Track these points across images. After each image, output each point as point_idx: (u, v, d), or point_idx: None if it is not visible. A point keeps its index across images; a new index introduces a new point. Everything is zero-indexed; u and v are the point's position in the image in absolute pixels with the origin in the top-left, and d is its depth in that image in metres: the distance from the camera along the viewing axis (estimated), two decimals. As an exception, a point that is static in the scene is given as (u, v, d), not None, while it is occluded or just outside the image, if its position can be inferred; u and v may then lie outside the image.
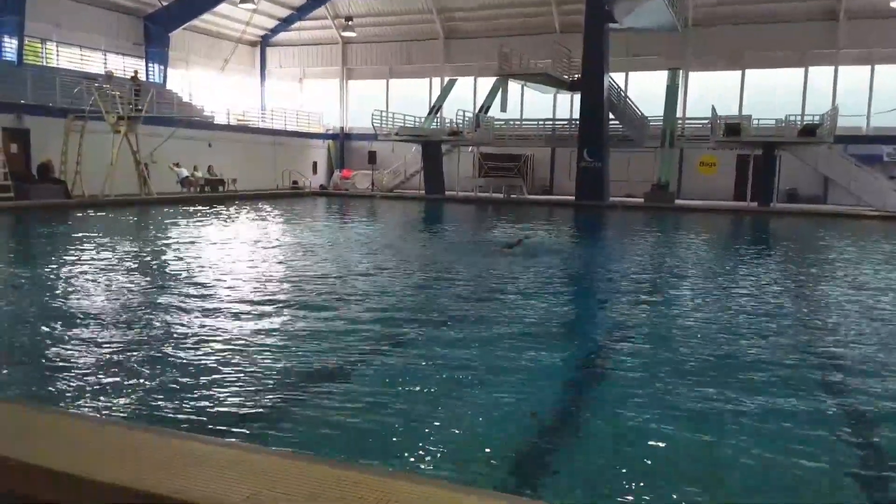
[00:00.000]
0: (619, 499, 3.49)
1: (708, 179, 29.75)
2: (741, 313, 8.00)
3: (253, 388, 4.87)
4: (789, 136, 26.03)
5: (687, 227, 21.14)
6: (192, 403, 4.55)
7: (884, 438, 4.34)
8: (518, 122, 33.16)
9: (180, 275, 9.61)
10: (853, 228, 20.71)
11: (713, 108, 27.01)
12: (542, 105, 33.57)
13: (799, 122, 26.72)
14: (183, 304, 7.53)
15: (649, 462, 3.88)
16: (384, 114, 30.43)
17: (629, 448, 4.06)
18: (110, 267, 10.08)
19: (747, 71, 31.02)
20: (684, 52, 30.51)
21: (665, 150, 27.95)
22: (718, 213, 25.75)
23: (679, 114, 29.84)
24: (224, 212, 20.92)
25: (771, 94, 30.40)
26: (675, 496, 3.51)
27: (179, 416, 4.34)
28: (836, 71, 29.59)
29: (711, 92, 30.48)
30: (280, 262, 11.15)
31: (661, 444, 4.10)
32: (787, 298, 9.36)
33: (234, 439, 3.92)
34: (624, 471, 3.77)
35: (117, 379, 5.01)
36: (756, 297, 9.07)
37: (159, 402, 4.56)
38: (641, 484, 3.63)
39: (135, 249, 12.37)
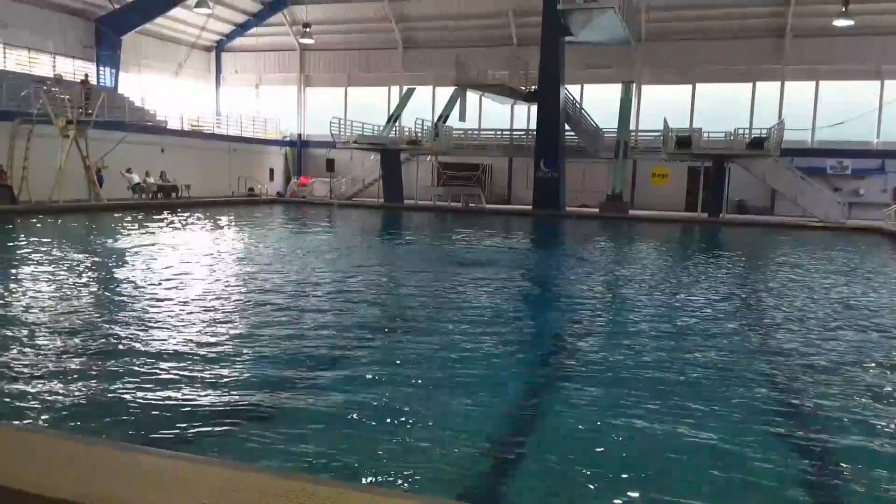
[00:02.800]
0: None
1: (660, 190, 30.42)
2: (689, 316, 8.24)
3: (201, 400, 4.81)
4: (738, 148, 26.81)
5: (639, 237, 21.58)
6: (138, 416, 4.47)
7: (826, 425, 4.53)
8: (476, 132, 33.40)
9: (126, 284, 9.41)
10: (798, 238, 21.42)
11: (665, 121, 27.67)
12: (500, 115, 33.89)
13: (747, 136, 27.55)
14: (129, 314, 7.38)
15: (605, 464, 3.97)
16: (342, 121, 30.32)
17: (583, 450, 4.14)
18: (53, 276, 9.80)
19: (698, 85, 31.87)
20: (637, 66, 31.20)
21: (619, 161, 28.48)
22: (670, 223, 26.33)
23: (632, 126, 30.45)
24: (176, 219, 20.53)
25: (721, 107, 31.28)
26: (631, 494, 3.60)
27: (126, 429, 4.27)
28: (782, 86, 30.62)
29: (664, 105, 31.19)
30: (230, 272, 10.98)
31: (616, 445, 4.19)
32: (730, 303, 9.64)
33: (182, 452, 3.88)
34: (580, 471, 3.85)
35: (60, 391, 4.89)
36: (702, 303, 9.33)
37: (105, 415, 4.47)
38: (596, 485, 3.71)
39: (80, 258, 12.06)
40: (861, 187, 29.40)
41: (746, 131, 28.11)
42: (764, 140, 26.50)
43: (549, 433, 4.68)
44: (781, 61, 30.23)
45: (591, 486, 3.76)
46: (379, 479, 3.72)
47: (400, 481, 3.69)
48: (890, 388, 5.64)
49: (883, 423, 4.76)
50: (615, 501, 3.60)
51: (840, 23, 26.87)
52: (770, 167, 27.34)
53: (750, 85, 31.26)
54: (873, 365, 6.36)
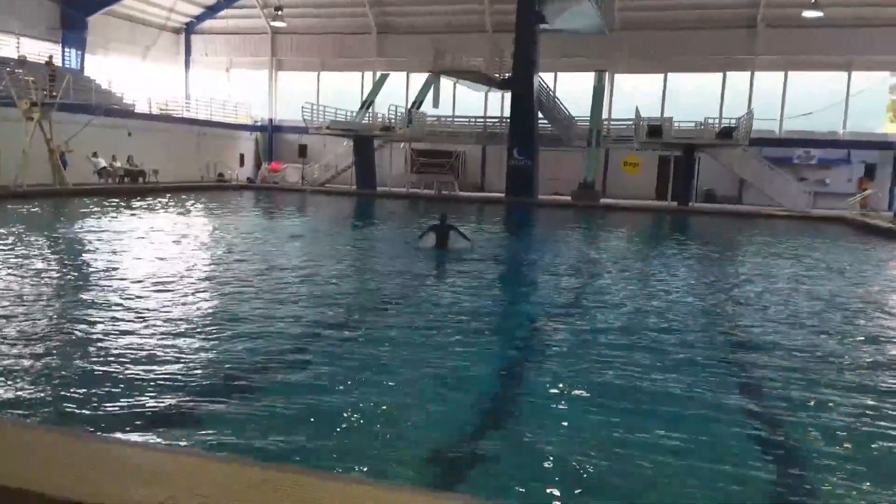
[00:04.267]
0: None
1: (632, 179, 30.67)
2: (657, 302, 8.35)
3: (169, 390, 4.76)
4: (707, 138, 27.13)
5: (611, 225, 21.78)
6: (105, 406, 4.41)
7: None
8: (450, 119, 33.32)
9: (88, 270, 9.25)
10: (765, 227, 21.79)
11: (637, 110, 27.88)
12: (474, 102, 33.83)
13: (717, 125, 27.88)
14: (93, 304, 7.26)
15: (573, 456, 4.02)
16: (315, 107, 30.01)
17: (552, 443, 4.19)
18: (13, 262, 9.60)
19: (670, 74, 32.11)
20: (611, 55, 31.33)
21: (591, 149, 28.65)
22: (641, 211, 26.60)
23: (605, 115, 30.61)
24: (143, 205, 20.20)
25: (692, 97, 31.58)
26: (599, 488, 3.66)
27: (93, 419, 4.21)
28: (752, 76, 31.02)
29: (636, 94, 31.40)
30: (195, 259, 10.84)
31: (586, 438, 4.25)
32: (698, 288, 9.80)
33: (149, 442, 3.84)
34: (547, 465, 3.89)
35: (25, 380, 4.80)
36: (669, 288, 9.47)
37: (71, 405, 4.41)
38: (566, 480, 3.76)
39: (43, 243, 11.81)
40: (827, 177, 29.96)
41: (716, 121, 28.44)
42: (733, 130, 26.85)
43: (520, 422, 4.72)
44: (752, 52, 30.59)
45: (560, 479, 3.81)
46: (344, 468, 3.73)
47: (365, 469, 3.70)
48: (844, 375, 5.79)
49: (841, 410, 4.89)
50: (581, 494, 3.66)
51: (810, 14, 27.28)
52: (739, 157, 27.74)
53: (721, 75, 31.60)
54: (836, 356, 6.52)
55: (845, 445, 4.27)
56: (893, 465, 4.12)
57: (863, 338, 7.19)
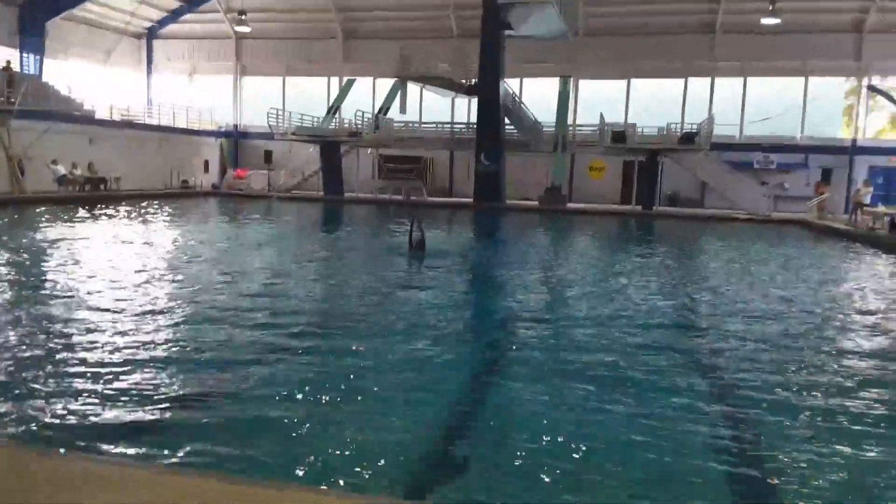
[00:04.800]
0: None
1: (597, 183, 31.06)
2: (622, 303, 8.49)
3: (130, 403, 4.70)
4: (670, 143, 27.63)
5: (577, 229, 22.02)
6: (72, 421, 4.34)
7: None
8: (417, 125, 33.36)
9: (46, 282, 9.06)
10: (726, 230, 22.24)
11: (601, 116, 28.26)
12: (441, 108, 33.93)
13: (679, 130, 28.39)
14: (49, 315, 7.10)
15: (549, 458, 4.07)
16: (280, 112, 29.81)
17: (525, 445, 4.24)
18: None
19: (633, 80, 32.62)
20: (575, 61, 31.72)
21: (557, 154, 28.94)
22: (606, 215, 26.95)
23: (570, 120, 30.95)
24: (104, 212, 19.83)
25: (654, 103, 32.11)
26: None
27: (60, 434, 4.14)
28: (712, 82, 31.66)
29: (600, 100, 31.82)
30: (158, 268, 10.68)
31: (557, 435, 4.31)
32: (661, 287, 9.97)
33: (111, 456, 3.79)
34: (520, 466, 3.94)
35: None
36: (634, 287, 9.62)
37: (38, 421, 4.32)
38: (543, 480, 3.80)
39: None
40: (786, 181, 30.71)
41: (678, 126, 28.96)
42: (695, 135, 27.38)
43: (491, 423, 4.76)
44: (712, 58, 31.24)
45: (535, 479, 3.85)
46: (317, 478, 3.72)
47: (339, 479, 3.70)
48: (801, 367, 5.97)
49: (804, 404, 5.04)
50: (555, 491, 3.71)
51: (767, 21, 27.97)
52: (700, 161, 28.28)
53: (682, 80, 32.20)
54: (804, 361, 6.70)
55: (800, 421, 4.40)
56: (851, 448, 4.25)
57: (825, 333, 7.47)
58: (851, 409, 5.04)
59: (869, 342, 7.36)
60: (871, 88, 28.12)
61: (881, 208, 21.36)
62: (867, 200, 23.74)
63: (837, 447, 4.34)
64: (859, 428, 4.70)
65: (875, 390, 5.53)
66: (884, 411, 5.05)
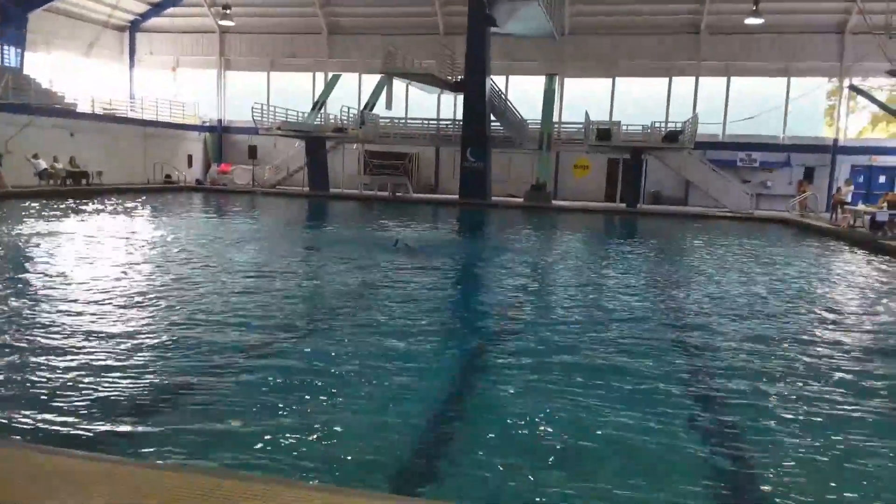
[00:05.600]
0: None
1: (582, 181, 31.17)
2: (607, 299, 8.54)
3: (112, 401, 4.66)
4: (654, 141, 27.79)
5: (561, 226, 22.09)
6: (52, 417, 4.30)
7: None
8: (403, 121, 33.30)
9: (25, 277, 8.95)
10: (710, 227, 22.42)
11: (586, 114, 28.36)
12: (427, 104, 33.88)
13: (663, 129, 28.56)
14: (28, 311, 7.03)
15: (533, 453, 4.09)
16: (265, 107, 29.61)
17: (511, 438, 4.25)
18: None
19: (618, 78, 32.76)
20: (561, 59, 31.79)
21: (543, 152, 29.01)
22: (591, 213, 27.06)
23: (555, 118, 31.03)
24: (86, 207, 19.62)
25: (640, 101, 32.28)
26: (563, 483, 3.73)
27: (40, 430, 4.10)
28: (696, 81, 31.86)
29: (586, 98, 31.91)
30: (140, 264, 10.59)
31: (541, 432, 4.33)
32: (644, 283, 10.05)
33: (94, 453, 3.77)
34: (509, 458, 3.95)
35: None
36: (620, 287, 9.68)
37: (17, 417, 4.28)
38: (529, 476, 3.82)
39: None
40: (768, 179, 31.02)
41: (663, 125, 29.14)
42: (679, 133, 27.55)
43: (476, 421, 4.77)
44: (696, 57, 31.45)
45: (520, 475, 3.87)
46: (300, 476, 3.72)
47: (324, 474, 3.70)
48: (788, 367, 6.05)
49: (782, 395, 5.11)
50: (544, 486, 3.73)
51: (751, 21, 28.19)
52: (684, 160, 28.47)
53: (667, 80, 32.39)
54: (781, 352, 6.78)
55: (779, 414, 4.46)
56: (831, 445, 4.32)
57: (804, 329, 7.58)
58: (828, 399, 5.13)
59: (846, 336, 7.47)
60: (853, 88, 28.44)
61: (861, 207, 21.63)
62: (848, 199, 24.05)
63: (818, 437, 4.41)
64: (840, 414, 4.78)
65: (849, 380, 5.63)
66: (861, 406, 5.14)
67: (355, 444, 4.11)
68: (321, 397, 4.88)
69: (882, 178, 30.35)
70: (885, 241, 17.03)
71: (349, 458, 3.93)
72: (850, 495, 3.80)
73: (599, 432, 4.41)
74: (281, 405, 4.66)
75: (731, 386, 5.54)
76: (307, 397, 4.88)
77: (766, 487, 3.87)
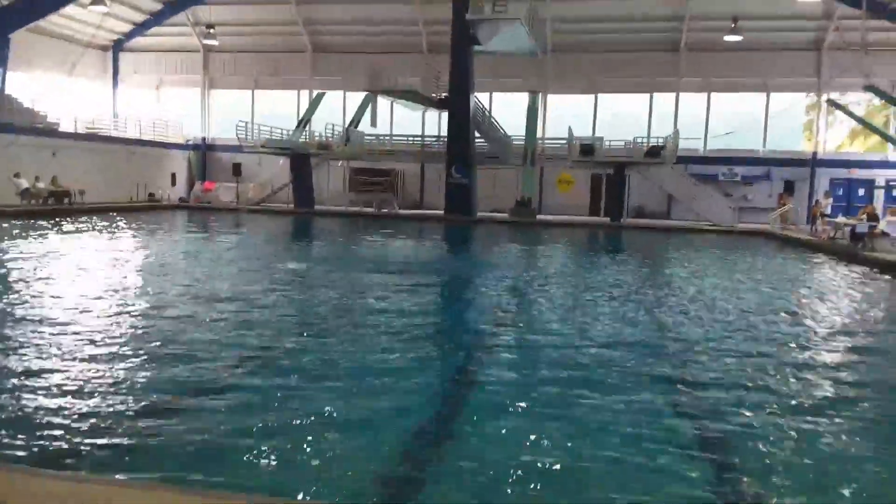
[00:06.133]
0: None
1: (566, 196, 31.37)
2: (594, 313, 8.59)
3: (96, 420, 4.63)
4: (637, 156, 28.09)
5: (547, 241, 22.19)
6: (30, 440, 4.26)
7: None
8: (388, 138, 33.40)
9: (6, 298, 8.87)
10: (693, 241, 22.61)
11: (570, 130, 28.61)
12: (412, 121, 34.04)
13: (645, 144, 28.86)
14: (9, 332, 6.97)
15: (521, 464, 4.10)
16: (249, 125, 29.61)
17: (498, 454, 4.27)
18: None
19: (600, 95, 33.13)
20: (544, 76, 32.08)
21: (527, 168, 29.20)
22: (575, 227, 27.22)
23: (539, 134, 31.27)
24: (67, 227, 19.46)
25: (621, 117, 32.65)
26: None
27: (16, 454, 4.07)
28: (677, 97, 32.28)
29: (569, 114, 32.22)
30: (123, 283, 10.50)
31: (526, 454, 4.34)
32: (630, 298, 10.12)
33: (81, 474, 3.74)
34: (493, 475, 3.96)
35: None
36: (605, 300, 9.74)
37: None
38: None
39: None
40: (749, 193, 31.42)
41: (645, 140, 29.45)
42: (661, 149, 27.86)
43: (461, 439, 4.78)
44: (677, 74, 31.90)
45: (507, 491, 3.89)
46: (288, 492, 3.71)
47: (307, 493, 3.69)
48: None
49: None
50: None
51: (730, 38, 28.68)
52: (666, 174, 28.76)
53: (648, 96, 32.80)
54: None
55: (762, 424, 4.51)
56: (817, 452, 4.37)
57: (789, 341, 7.65)
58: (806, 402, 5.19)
59: (826, 345, 7.56)
60: (831, 103, 28.95)
61: (841, 219, 21.93)
62: (828, 211, 24.39)
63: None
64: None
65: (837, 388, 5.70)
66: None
67: (341, 460, 4.10)
68: (307, 413, 4.87)
69: (861, 191, 30.83)
70: (865, 252, 17.27)
71: (336, 474, 3.92)
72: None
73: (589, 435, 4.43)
74: (260, 424, 4.64)
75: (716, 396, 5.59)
76: (280, 417, 4.86)
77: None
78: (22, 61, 30.96)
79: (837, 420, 5.08)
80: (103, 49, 36.56)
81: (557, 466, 4.12)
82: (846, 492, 3.94)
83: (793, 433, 4.78)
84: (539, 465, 4.11)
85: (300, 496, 3.60)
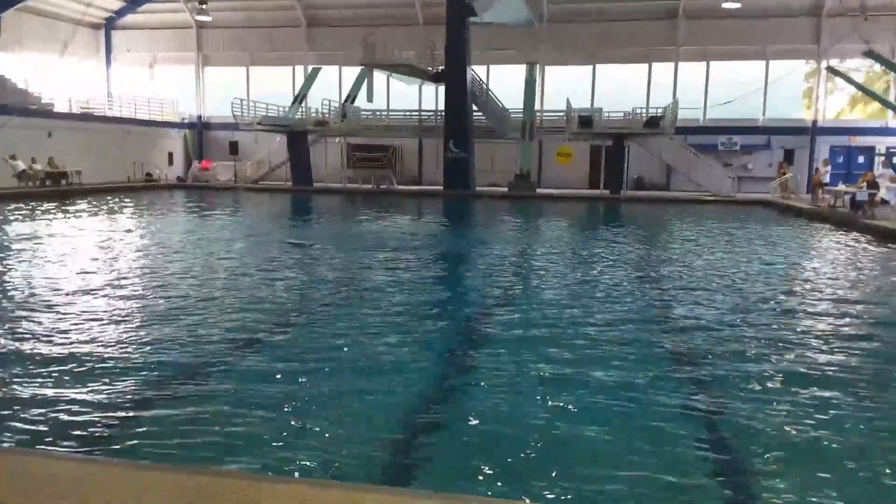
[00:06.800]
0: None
1: (565, 169, 31.26)
2: (595, 284, 8.61)
3: (96, 400, 4.66)
4: (636, 127, 27.88)
5: (547, 214, 22.16)
6: (30, 421, 4.29)
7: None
8: (385, 113, 33.16)
9: (6, 280, 8.87)
10: (693, 211, 22.57)
11: (568, 102, 28.39)
12: (409, 96, 33.76)
13: (644, 115, 28.67)
14: (10, 313, 6.98)
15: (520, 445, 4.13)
16: (245, 102, 29.39)
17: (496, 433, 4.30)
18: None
19: (598, 66, 32.82)
20: (541, 48, 31.78)
21: (525, 141, 29.03)
22: (575, 200, 27.17)
23: (537, 106, 31.04)
24: (66, 207, 19.41)
25: (620, 88, 32.36)
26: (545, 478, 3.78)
27: (15, 434, 4.09)
28: (676, 67, 31.98)
29: (567, 85, 31.95)
30: (121, 263, 10.49)
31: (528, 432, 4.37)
32: (631, 268, 10.13)
33: (78, 454, 3.76)
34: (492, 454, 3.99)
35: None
36: (607, 273, 9.75)
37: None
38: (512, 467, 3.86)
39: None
40: (749, 162, 31.29)
41: (643, 111, 29.25)
42: (659, 119, 27.66)
43: (460, 416, 4.81)
44: (675, 43, 31.57)
45: (505, 471, 3.92)
46: (287, 471, 3.74)
47: (308, 468, 3.72)
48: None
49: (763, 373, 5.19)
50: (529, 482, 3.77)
51: (728, 5, 28.32)
52: (665, 145, 28.62)
53: (647, 66, 32.49)
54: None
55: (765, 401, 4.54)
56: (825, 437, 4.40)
57: (794, 312, 7.68)
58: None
59: (834, 310, 7.58)
60: (831, 70, 28.68)
61: (842, 187, 21.86)
62: (826, 180, 24.29)
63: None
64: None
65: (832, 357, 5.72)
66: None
67: (340, 437, 4.13)
68: (306, 392, 4.89)
69: (861, 159, 30.70)
70: (865, 220, 17.24)
71: (336, 451, 3.95)
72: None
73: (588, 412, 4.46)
74: (260, 400, 4.67)
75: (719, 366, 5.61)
76: (287, 392, 4.88)
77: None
78: (12, 41, 30.66)
79: (834, 390, 5.11)
80: (95, 27, 36.14)
81: (563, 437, 4.15)
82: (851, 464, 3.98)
83: (785, 401, 4.81)
84: (544, 438, 4.15)
85: (296, 475, 3.63)
